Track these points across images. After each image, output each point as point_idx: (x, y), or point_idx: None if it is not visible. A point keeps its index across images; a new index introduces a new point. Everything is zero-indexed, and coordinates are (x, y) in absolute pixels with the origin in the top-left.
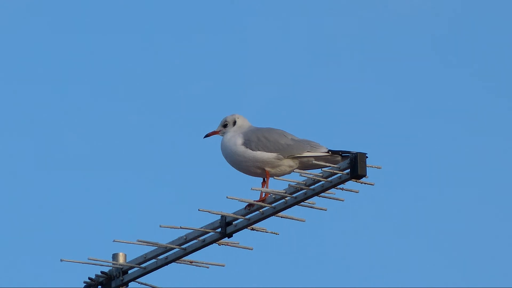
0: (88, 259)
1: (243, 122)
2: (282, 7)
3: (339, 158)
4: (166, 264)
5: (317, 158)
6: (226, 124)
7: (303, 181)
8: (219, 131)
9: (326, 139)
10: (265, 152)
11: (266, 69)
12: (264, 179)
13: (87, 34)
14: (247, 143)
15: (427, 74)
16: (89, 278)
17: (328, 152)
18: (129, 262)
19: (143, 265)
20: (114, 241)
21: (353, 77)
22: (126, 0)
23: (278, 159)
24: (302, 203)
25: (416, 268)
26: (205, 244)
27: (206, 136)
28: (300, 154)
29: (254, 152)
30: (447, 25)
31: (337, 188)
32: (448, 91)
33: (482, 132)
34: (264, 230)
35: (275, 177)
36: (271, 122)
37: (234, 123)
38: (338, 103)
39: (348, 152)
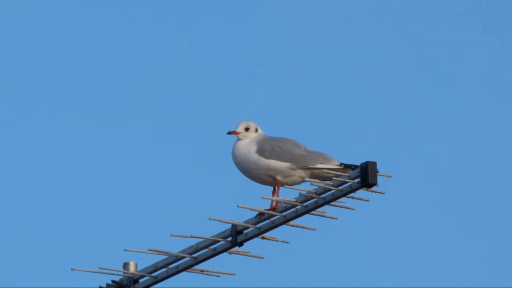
0: (99, 268)
1: (261, 132)
2: (285, 8)
3: (350, 171)
4: (177, 273)
5: (329, 170)
6: (248, 128)
7: (313, 190)
8: (240, 133)
9: (335, 148)
10: (278, 161)
11: (268, 72)
12: (274, 188)
13: (87, 36)
14: (260, 151)
15: (439, 80)
16: (100, 287)
17: (340, 165)
18: (140, 271)
19: (154, 274)
20: (125, 250)
21: (361, 83)
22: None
23: (291, 169)
24: (312, 211)
25: (426, 276)
26: (216, 253)
27: (229, 133)
28: (313, 165)
29: (268, 160)
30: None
31: (347, 197)
32: (459, 98)
33: (492, 141)
34: (275, 239)
35: (286, 186)
36: (277, 128)
37: (256, 130)
38: (348, 111)
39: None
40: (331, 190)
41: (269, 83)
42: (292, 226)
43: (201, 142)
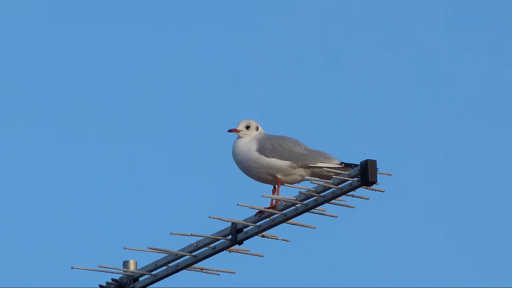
0: (99, 266)
1: (262, 130)
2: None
3: (350, 170)
4: (177, 271)
5: (329, 169)
6: (249, 127)
7: (313, 188)
8: (241, 131)
9: (336, 147)
10: (279, 160)
11: (268, 72)
12: (274, 186)
13: (87, 35)
14: (261, 150)
15: (439, 78)
16: (100, 286)
17: (341, 164)
18: (140, 269)
19: (154, 272)
20: (125, 248)
21: (361, 83)
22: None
23: (292, 167)
24: (312, 210)
25: (426, 274)
26: (215, 251)
27: (230, 131)
28: (313, 164)
29: (268, 159)
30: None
31: (347, 195)
32: (459, 96)
33: (492, 141)
34: (275, 237)
35: (286, 184)
36: (278, 126)
37: (257, 129)
38: (348, 110)
39: None
40: (331, 188)
41: (269, 82)
42: (292, 224)
43: (201, 140)
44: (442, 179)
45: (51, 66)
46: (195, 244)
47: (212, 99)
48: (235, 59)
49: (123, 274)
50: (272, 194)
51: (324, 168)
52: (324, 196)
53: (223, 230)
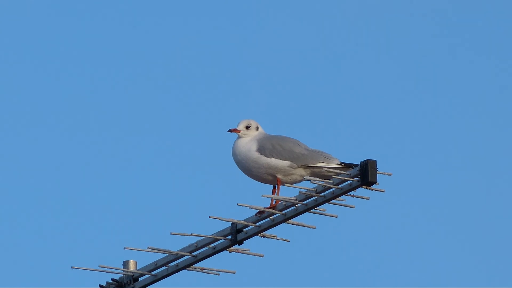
0: (99, 266)
1: (262, 130)
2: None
3: (350, 170)
4: (177, 271)
5: (329, 169)
6: (249, 127)
7: (313, 188)
8: (241, 131)
9: (336, 147)
10: (279, 160)
11: (268, 72)
12: (274, 186)
13: (87, 35)
14: (261, 150)
15: (439, 78)
16: (100, 286)
17: (341, 164)
18: (140, 269)
19: (154, 272)
20: (124, 248)
21: (361, 83)
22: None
23: (292, 167)
24: (312, 210)
25: (426, 274)
26: (215, 251)
27: (230, 131)
28: (313, 164)
29: (268, 159)
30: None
31: (347, 195)
32: (459, 96)
33: (493, 135)
34: (275, 237)
35: (286, 184)
36: (278, 126)
37: (257, 129)
38: (348, 110)
39: None
40: (331, 188)
41: (269, 82)
42: (292, 224)
43: (201, 140)
44: (442, 179)
45: (51, 66)
46: (195, 244)
47: (212, 99)
48: (235, 59)
49: (123, 274)
50: (272, 194)
51: (324, 168)
52: (324, 196)
53: (223, 230)
